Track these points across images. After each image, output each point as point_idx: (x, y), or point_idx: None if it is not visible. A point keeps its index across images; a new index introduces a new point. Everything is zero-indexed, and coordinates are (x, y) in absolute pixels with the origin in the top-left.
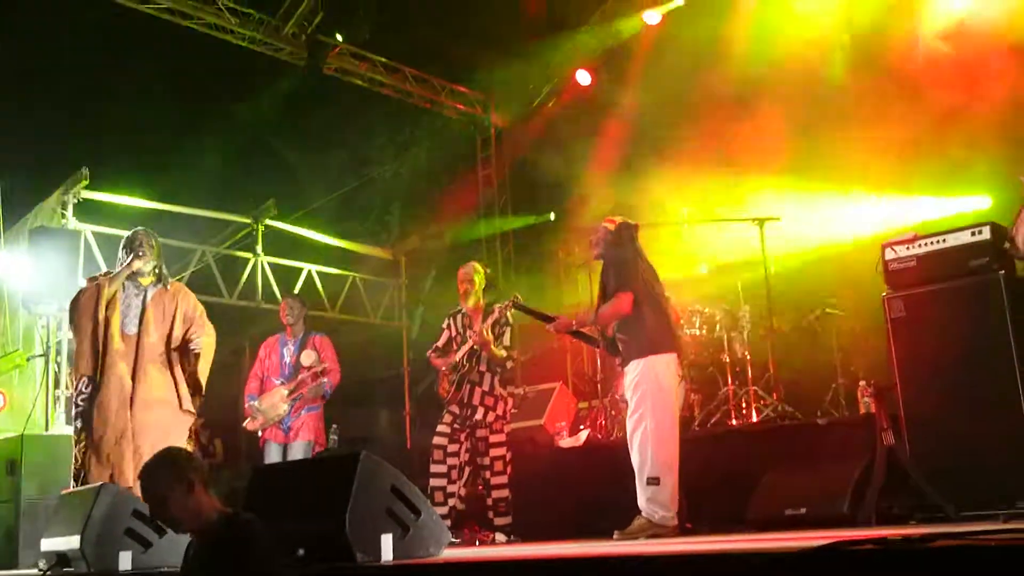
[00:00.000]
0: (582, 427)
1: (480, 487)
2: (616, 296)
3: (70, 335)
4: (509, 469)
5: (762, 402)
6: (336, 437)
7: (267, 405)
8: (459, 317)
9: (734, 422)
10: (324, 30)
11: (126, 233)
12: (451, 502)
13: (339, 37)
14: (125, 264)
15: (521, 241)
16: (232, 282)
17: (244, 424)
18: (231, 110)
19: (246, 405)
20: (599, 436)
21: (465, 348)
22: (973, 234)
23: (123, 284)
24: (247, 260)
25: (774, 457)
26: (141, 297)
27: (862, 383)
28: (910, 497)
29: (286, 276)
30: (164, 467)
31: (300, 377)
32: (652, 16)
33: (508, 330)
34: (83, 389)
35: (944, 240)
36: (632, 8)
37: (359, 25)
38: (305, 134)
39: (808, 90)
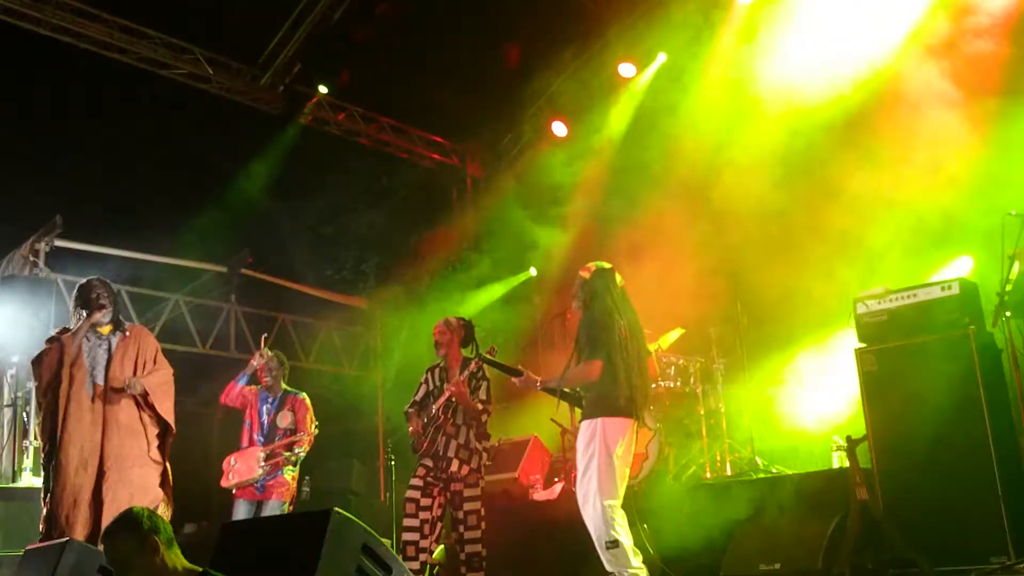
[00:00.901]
0: (556, 480)
1: (454, 540)
2: (585, 363)
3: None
4: (483, 524)
5: (736, 455)
6: (308, 489)
7: (242, 466)
8: (437, 371)
9: (708, 475)
10: (302, 80)
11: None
12: (423, 557)
13: (321, 88)
14: (85, 319)
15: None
16: (205, 331)
17: (221, 481)
18: (207, 159)
19: (225, 463)
20: (574, 489)
21: (441, 400)
22: (943, 289)
23: (86, 337)
24: (220, 309)
25: (748, 511)
26: (105, 347)
27: (835, 437)
28: (884, 552)
29: (260, 325)
30: (126, 530)
31: (275, 444)
32: (627, 69)
33: (486, 384)
34: (44, 448)
35: (915, 295)
36: (608, 61)
37: (337, 76)
38: (282, 183)
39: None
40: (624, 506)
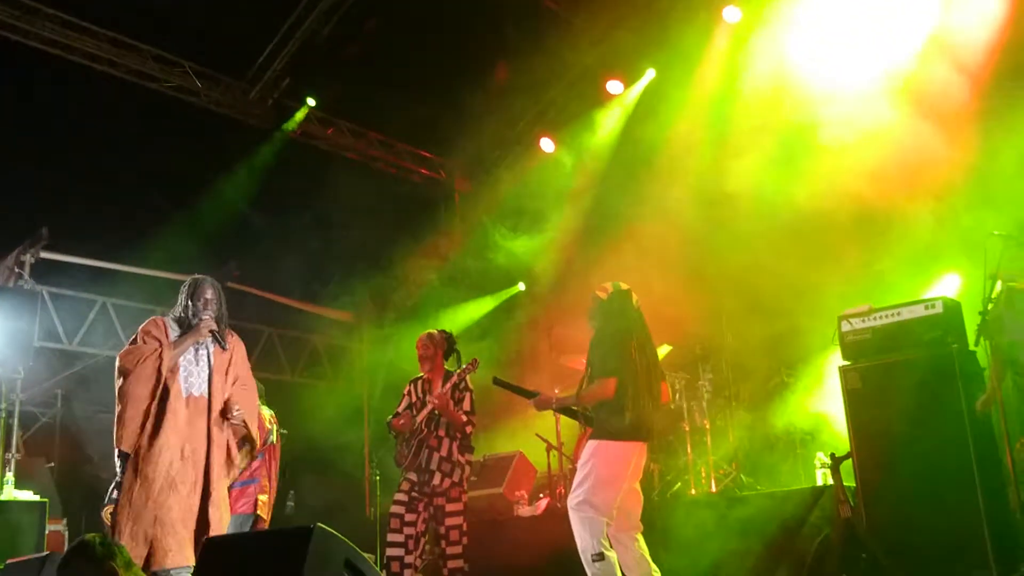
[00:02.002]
0: (541, 496)
1: (436, 555)
2: (600, 381)
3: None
4: (465, 539)
5: (721, 472)
6: (292, 503)
7: None
8: (420, 383)
9: (693, 492)
10: (291, 95)
11: (88, 296)
12: (407, 573)
13: (310, 102)
14: (193, 330)
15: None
16: None
17: None
18: (195, 173)
19: None
20: (559, 505)
21: (424, 412)
22: (927, 308)
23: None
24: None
25: (732, 528)
26: (205, 355)
27: (819, 454)
28: (868, 569)
29: (245, 338)
30: (83, 559)
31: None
32: (615, 86)
33: (469, 395)
34: (119, 461)
35: (899, 313)
36: (596, 77)
37: (325, 91)
38: (269, 196)
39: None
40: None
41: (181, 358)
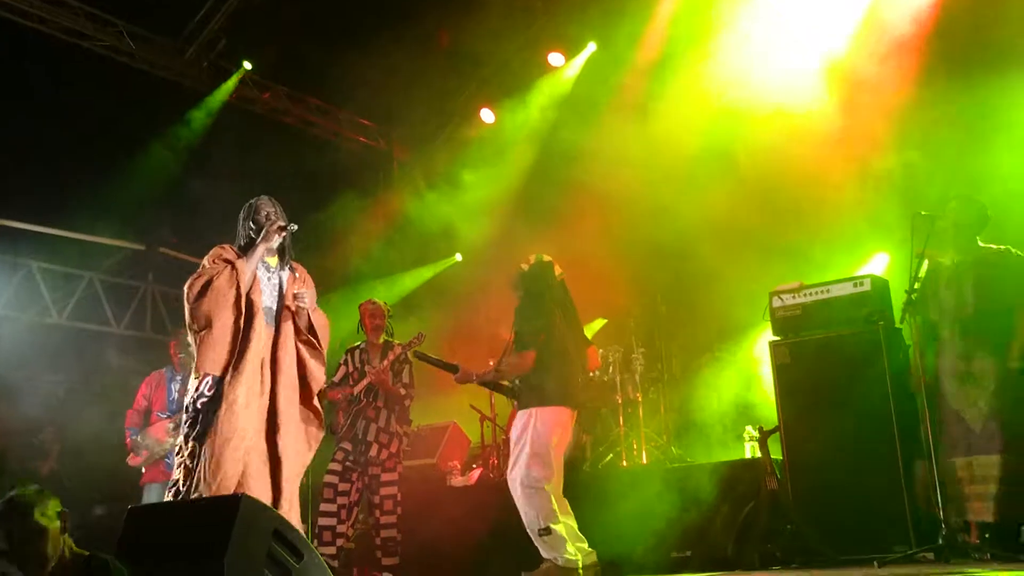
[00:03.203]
0: (474, 466)
1: (370, 525)
2: (519, 354)
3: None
4: (400, 509)
5: (652, 444)
6: None
7: (152, 439)
8: (357, 352)
9: (624, 464)
10: (227, 57)
11: (12, 259)
12: (339, 542)
13: (246, 65)
14: (261, 240)
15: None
16: (121, 311)
17: (128, 460)
18: (128, 135)
19: (127, 439)
20: (491, 475)
21: (363, 383)
22: (855, 285)
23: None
24: (137, 288)
25: (662, 499)
26: (276, 282)
27: (748, 427)
28: (792, 540)
29: (179, 305)
30: (48, 499)
31: (174, 418)
32: (557, 58)
33: (408, 367)
34: (204, 391)
35: (828, 290)
36: (538, 49)
37: (263, 54)
38: (204, 161)
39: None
40: (568, 494)
41: (262, 282)
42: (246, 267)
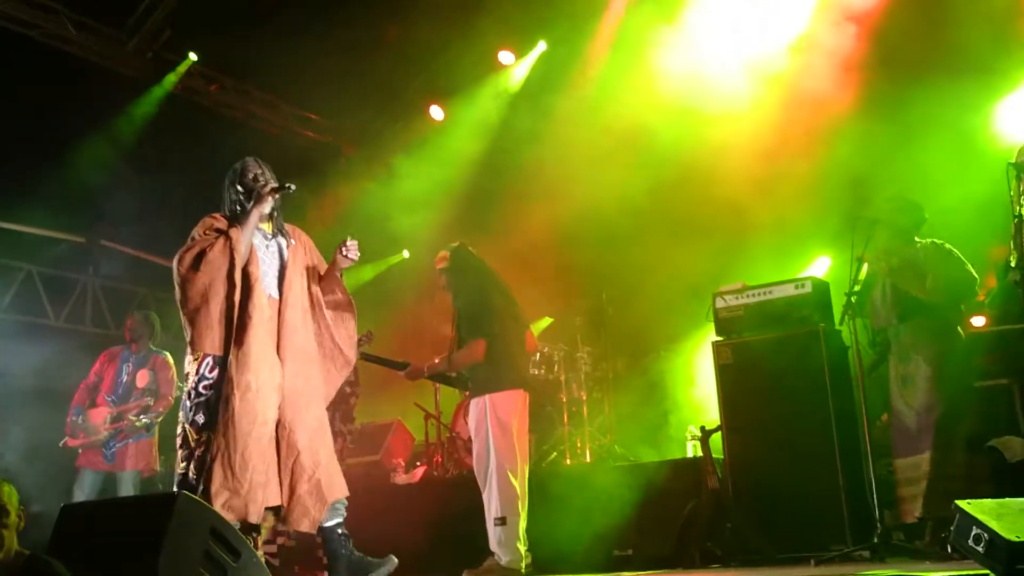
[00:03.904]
0: (419, 464)
1: None
2: (469, 344)
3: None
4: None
5: (596, 443)
6: (163, 469)
7: (90, 424)
8: None
9: (568, 462)
10: (172, 47)
11: None
12: (280, 540)
13: (191, 56)
14: (253, 205)
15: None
16: (60, 304)
17: (63, 442)
18: (69, 125)
19: (68, 419)
20: (436, 473)
21: None
22: (796, 287)
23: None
24: (77, 281)
25: (605, 497)
26: (275, 250)
27: (690, 426)
28: (732, 539)
29: (119, 299)
30: (8, 485)
31: (128, 406)
32: (507, 56)
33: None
34: (206, 373)
35: (771, 292)
36: (488, 46)
37: (209, 45)
38: (148, 153)
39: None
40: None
41: (259, 252)
42: (241, 235)
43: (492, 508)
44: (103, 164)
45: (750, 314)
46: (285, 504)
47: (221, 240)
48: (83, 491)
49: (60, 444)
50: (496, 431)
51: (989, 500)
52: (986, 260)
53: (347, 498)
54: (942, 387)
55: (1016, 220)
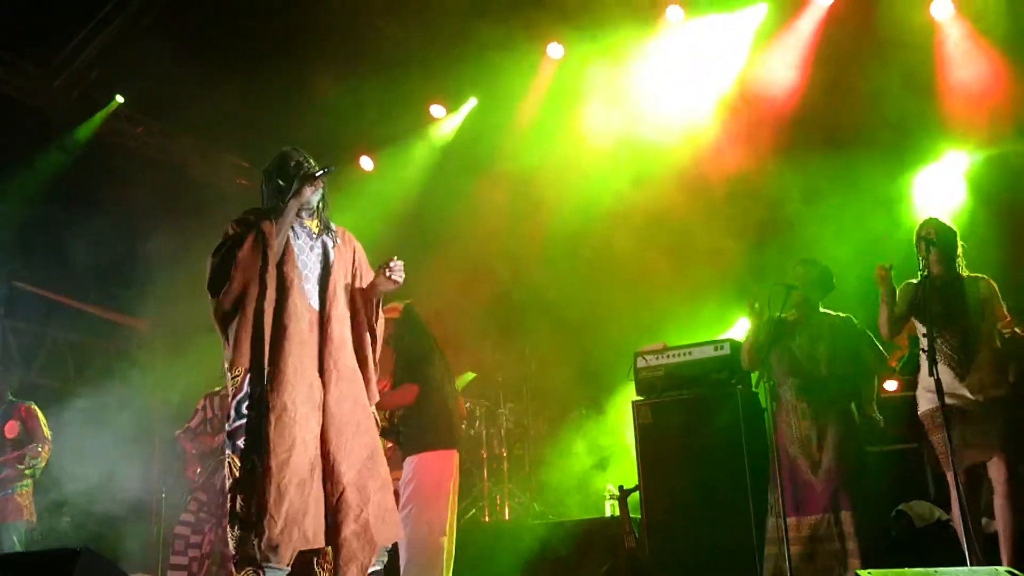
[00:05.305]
0: None
1: None
2: (401, 386)
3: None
4: None
5: (515, 500)
6: (69, 518)
7: None
8: (216, 399)
9: (487, 519)
10: (101, 88)
11: None
12: None
13: (119, 98)
14: (293, 196)
15: None
16: None
17: None
18: None
19: None
20: None
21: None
22: (716, 349)
23: (292, 231)
24: None
25: (522, 556)
26: (319, 249)
27: (609, 485)
28: None
29: (29, 342)
30: None
31: (6, 455)
32: (438, 110)
33: None
34: (249, 391)
35: (691, 353)
36: (419, 99)
37: (138, 87)
38: (69, 194)
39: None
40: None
41: (295, 254)
42: (274, 229)
43: (410, 570)
44: (20, 202)
45: (670, 374)
46: (331, 546)
47: (252, 234)
48: None
49: None
50: (427, 493)
51: (890, 571)
52: None
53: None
54: (849, 447)
55: (922, 291)
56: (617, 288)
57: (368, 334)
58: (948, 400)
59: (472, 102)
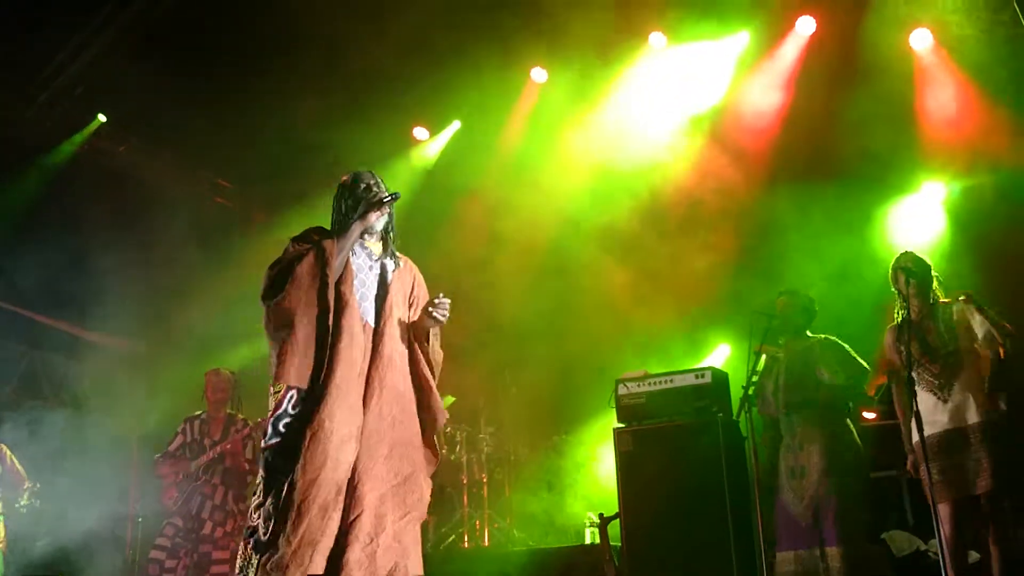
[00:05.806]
0: None
1: None
2: None
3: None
4: None
5: (495, 526)
6: (40, 542)
7: None
8: (197, 423)
9: (467, 545)
10: (83, 106)
11: None
12: None
13: (101, 117)
14: (357, 219)
15: None
16: None
17: None
18: None
19: None
20: None
21: (205, 457)
22: (697, 377)
23: (353, 251)
24: None
25: None
26: (378, 271)
27: (589, 513)
28: None
29: (7, 362)
30: None
31: None
32: (421, 132)
33: (252, 443)
34: (288, 408)
35: (672, 380)
36: (403, 121)
37: (121, 106)
38: (49, 211)
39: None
40: None
41: (354, 275)
42: (336, 248)
43: None
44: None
45: (651, 402)
46: (333, 568)
47: (312, 253)
48: None
49: None
50: None
51: None
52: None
53: None
54: (834, 479)
55: (901, 322)
56: (599, 314)
57: (427, 369)
58: (933, 429)
59: (456, 125)
